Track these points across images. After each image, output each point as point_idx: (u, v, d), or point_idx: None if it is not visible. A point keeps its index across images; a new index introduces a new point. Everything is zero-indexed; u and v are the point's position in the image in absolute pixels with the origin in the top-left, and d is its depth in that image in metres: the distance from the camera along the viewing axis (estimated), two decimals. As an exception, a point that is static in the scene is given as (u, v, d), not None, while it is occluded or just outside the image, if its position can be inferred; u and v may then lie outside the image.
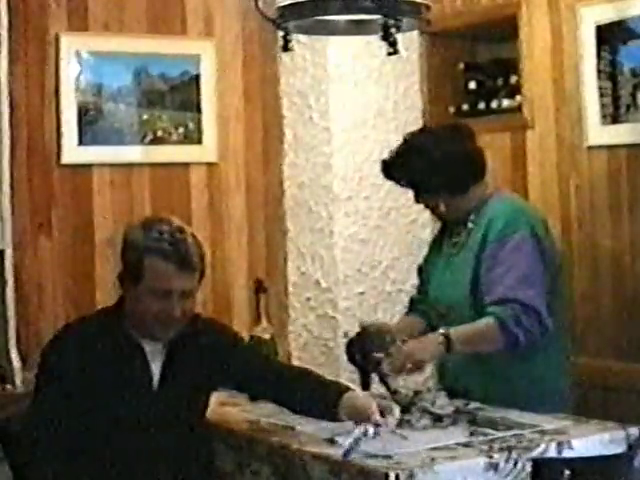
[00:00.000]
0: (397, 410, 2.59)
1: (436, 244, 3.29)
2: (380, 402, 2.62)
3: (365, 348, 3.01)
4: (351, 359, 3.08)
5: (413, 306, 3.34)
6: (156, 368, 2.70)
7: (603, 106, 3.71)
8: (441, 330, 2.95)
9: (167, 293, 2.61)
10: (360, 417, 2.55)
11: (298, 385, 2.80)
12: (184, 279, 2.63)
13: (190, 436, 2.73)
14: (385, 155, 3.20)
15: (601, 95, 3.72)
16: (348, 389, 2.73)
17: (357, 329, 3.10)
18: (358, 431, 2.49)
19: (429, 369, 3.23)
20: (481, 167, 3.13)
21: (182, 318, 2.66)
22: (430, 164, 3.05)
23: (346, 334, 3.16)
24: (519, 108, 4.09)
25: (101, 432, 2.63)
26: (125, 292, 2.70)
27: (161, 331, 2.67)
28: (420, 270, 3.35)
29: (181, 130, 4.29)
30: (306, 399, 2.75)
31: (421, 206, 3.23)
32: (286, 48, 2.94)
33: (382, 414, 2.54)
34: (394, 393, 2.94)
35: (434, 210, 3.17)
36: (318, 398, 2.72)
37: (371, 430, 2.49)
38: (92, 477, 2.63)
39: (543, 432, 2.66)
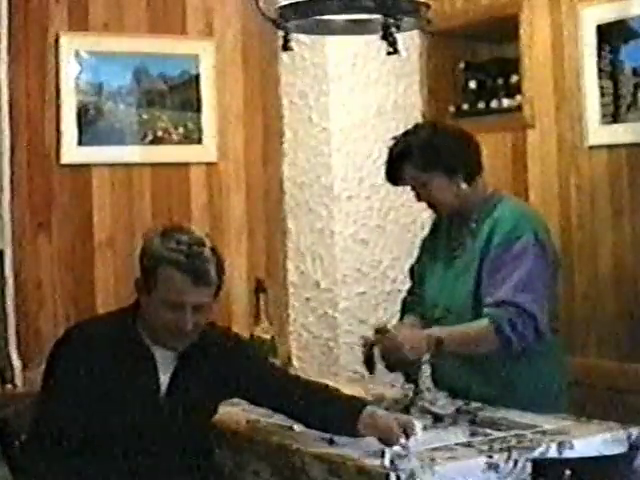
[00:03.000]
0: (419, 427, 2.54)
1: (428, 246, 3.27)
2: (400, 419, 2.58)
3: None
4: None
5: (408, 308, 3.31)
6: (165, 376, 2.66)
7: (604, 106, 3.71)
8: (435, 330, 2.94)
9: (180, 305, 2.56)
10: (381, 436, 2.52)
11: (315, 400, 2.74)
12: (198, 293, 2.57)
13: (193, 444, 2.70)
14: (384, 155, 3.17)
15: (602, 95, 3.72)
16: (366, 404, 2.68)
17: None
18: (389, 452, 2.43)
19: (428, 369, 3.22)
20: (481, 160, 3.12)
21: (195, 330, 2.61)
22: (447, 138, 3.05)
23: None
24: (519, 108, 4.08)
25: (106, 435, 2.60)
26: (140, 297, 2.66)
27: (172, 341, 2.63)
28: (412, 272, 3.33)
29: (181, 130, 4.29)
30: (323, 414, 2.69)
31: (421, 206, 3.20)
32: (286, 48, 2.93)
33: (404, 431, 2.50)
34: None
35: (438, 205, 3.09)
36: (337, 413, 2.66)
37: (400, 451, 2.45)
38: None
39: (544, 432, 2.66)
